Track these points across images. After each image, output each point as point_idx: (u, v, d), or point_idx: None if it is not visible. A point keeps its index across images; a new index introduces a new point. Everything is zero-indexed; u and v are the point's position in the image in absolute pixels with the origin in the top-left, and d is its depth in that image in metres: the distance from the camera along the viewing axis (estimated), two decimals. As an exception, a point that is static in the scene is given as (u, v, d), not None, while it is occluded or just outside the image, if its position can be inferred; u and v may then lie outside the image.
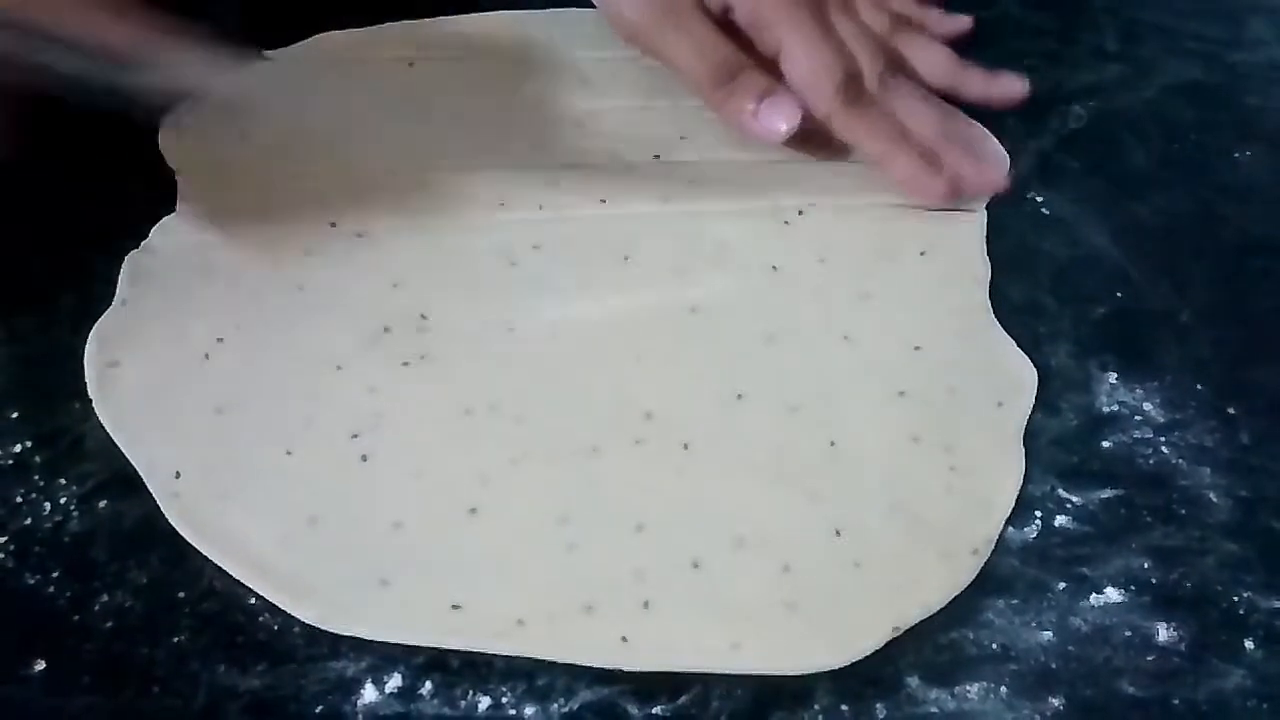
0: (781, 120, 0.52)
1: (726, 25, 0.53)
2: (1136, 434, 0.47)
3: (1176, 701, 0.41)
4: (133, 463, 0.44)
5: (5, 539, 0.42)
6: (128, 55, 0.44)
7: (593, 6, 0.57)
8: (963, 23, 0.59)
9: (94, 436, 0.44)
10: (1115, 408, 0.48)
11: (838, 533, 0.44)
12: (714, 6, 0.53)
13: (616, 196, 0.53)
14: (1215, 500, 0.46)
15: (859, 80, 0.53)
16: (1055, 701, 0.40)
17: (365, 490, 0.44)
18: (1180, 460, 0.47)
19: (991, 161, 0.55)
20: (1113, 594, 0.43)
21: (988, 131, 0.56)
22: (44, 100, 0.54)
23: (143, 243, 0.50)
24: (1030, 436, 0.47)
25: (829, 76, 0.52)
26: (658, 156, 0.55)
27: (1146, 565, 0.44)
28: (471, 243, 0.51)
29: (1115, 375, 0.49)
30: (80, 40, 0.43)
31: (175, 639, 0.40)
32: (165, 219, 0.51)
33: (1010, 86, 0.56)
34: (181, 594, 0.41)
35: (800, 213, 0.53)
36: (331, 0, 0.59)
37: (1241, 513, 0.45)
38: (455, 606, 0.41)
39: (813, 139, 0.54)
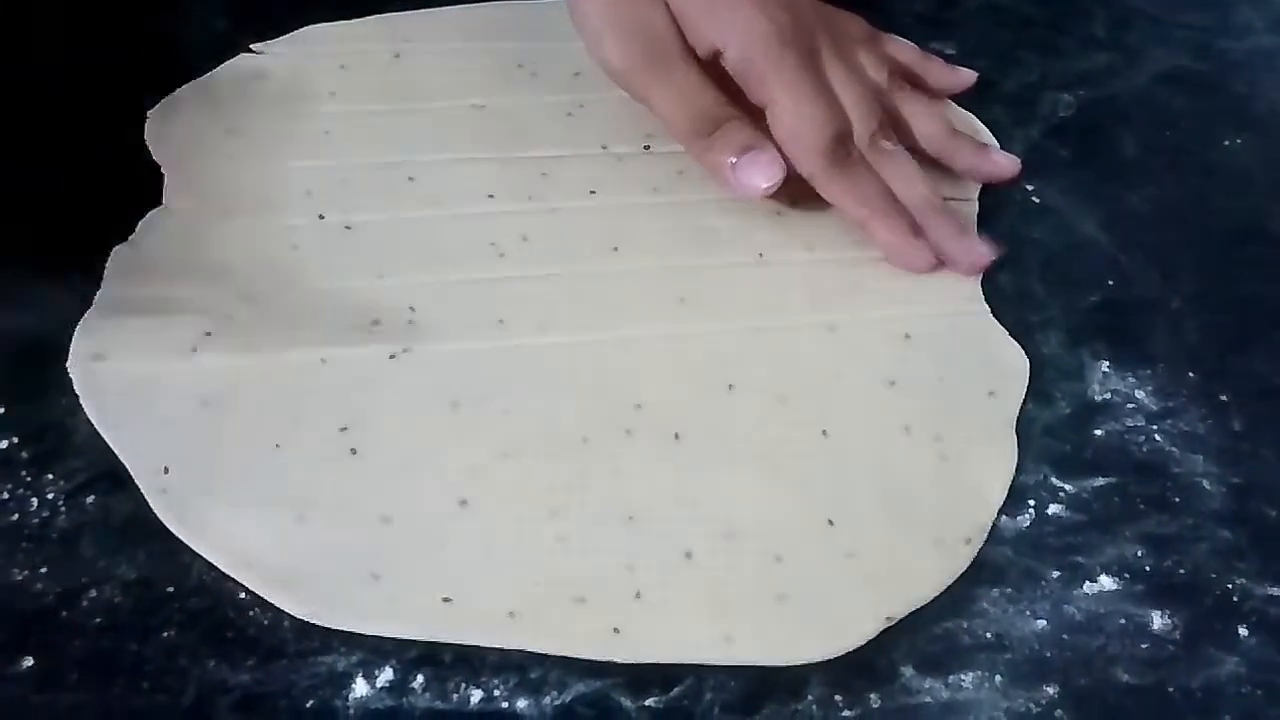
0: (761, 177, 0.49)
1: (716, 71, 0.51)
2: (1129, 422, 0.47)
3: (1171, 689, 0.41)
4: (120, 457, 0.43)
5: (-8, 535, 0.42)
6: None
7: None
8: (966, 78, 0.58)
9: (81, 431, 0.44)
10: (1108, 396, 0.48)
11: (830, 523, 0.43)
12: (703, 52, 0.51)
13: (606, 187, 0.53)
14: (1208, 487, 0.46)
15: (847, 140, 0.51)
16: (1050, 690, 0.40)
17: (354, 483, 0.43)
18: (1173, 448, 0.47)
19: (975, 238, 0.52)
20: (1106, 582, 0.43)
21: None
22: (29, 94, 0.54)
23: (129, 237, 0.49)
24: (1023, 425, 0.47)
25: (816, 134, 0.50)
26: (647, 148, 0.55)
27: (1140, 553, 0.44)
28: (460, 234, 0.51)
29: (1107, 363, 0.49)
30: None
31: (164, 634, 0.40)
32: (151, 213, 0.50)
33: (1000, 163, 0.55)
34: (170, 589, 0.41)
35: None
36: (318, -8, 0.59)
37: (1234, 500, 0.45)
38: (446, 600, 0.41)
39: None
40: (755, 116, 0.50)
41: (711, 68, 0.51)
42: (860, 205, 0.50)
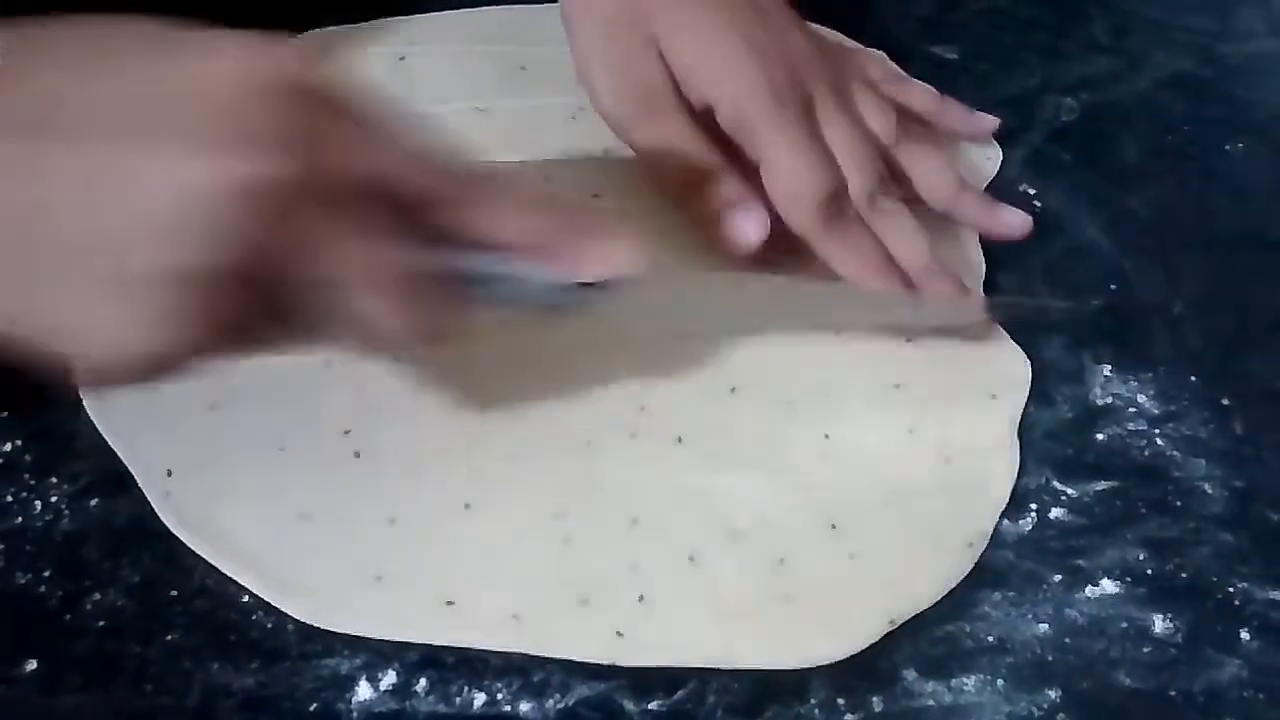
0: (749, 232, 0.48)
1: (710, 120, 0.49)
2: (1131, 426, 0.47)
3: (1173, 693, 0.41)
4: (124, 461, 0.43)
5: (-4, 538, 0.42)
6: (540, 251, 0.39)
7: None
8: (986, 125, 0.56)
9: (85, 434, 0.44)
10: (1109, 400, 0.48)
11: (833, 526, 0.43)
12: (696, 104, 0.49)
13: (609, 190, 0.53)
14: (1210, 491, 0.46)
15: (843, 197, 0.48)
16: (1052, 693, 0.40)
17: (358, 486, 0.43)
18: (1175, 452, 0.47)
19: (972, 299, 0.50)
20: (1108, 586, 0.43)
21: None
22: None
23: (133, 240, 0.49)
24: (1025, 429, 0.47)
25: (810, 192, 0.47)
26: (650, 151, 0.55)
27: (1142, 557, 0.44)
28: (463, 238, 0.51)
29: (1109, 367, 0.49)
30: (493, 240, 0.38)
31: (168, 637, 0.40)
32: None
33: (1010, 221, 0.52)
34: (174, 592, 0.41)
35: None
36: (323, -4, 0.59)
37: (1236, 503, 0.45)
38: (449, 603, 0.41)
39: None
40: (750, 170, 0.49)
41: (706, 116, 0.49)
42: (854, 267, 0.48)
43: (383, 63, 0.57)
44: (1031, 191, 0.55)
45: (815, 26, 0.55)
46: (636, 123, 0.50)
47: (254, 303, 0.34)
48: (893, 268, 0.48)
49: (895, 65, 0.55)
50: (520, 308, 0.40)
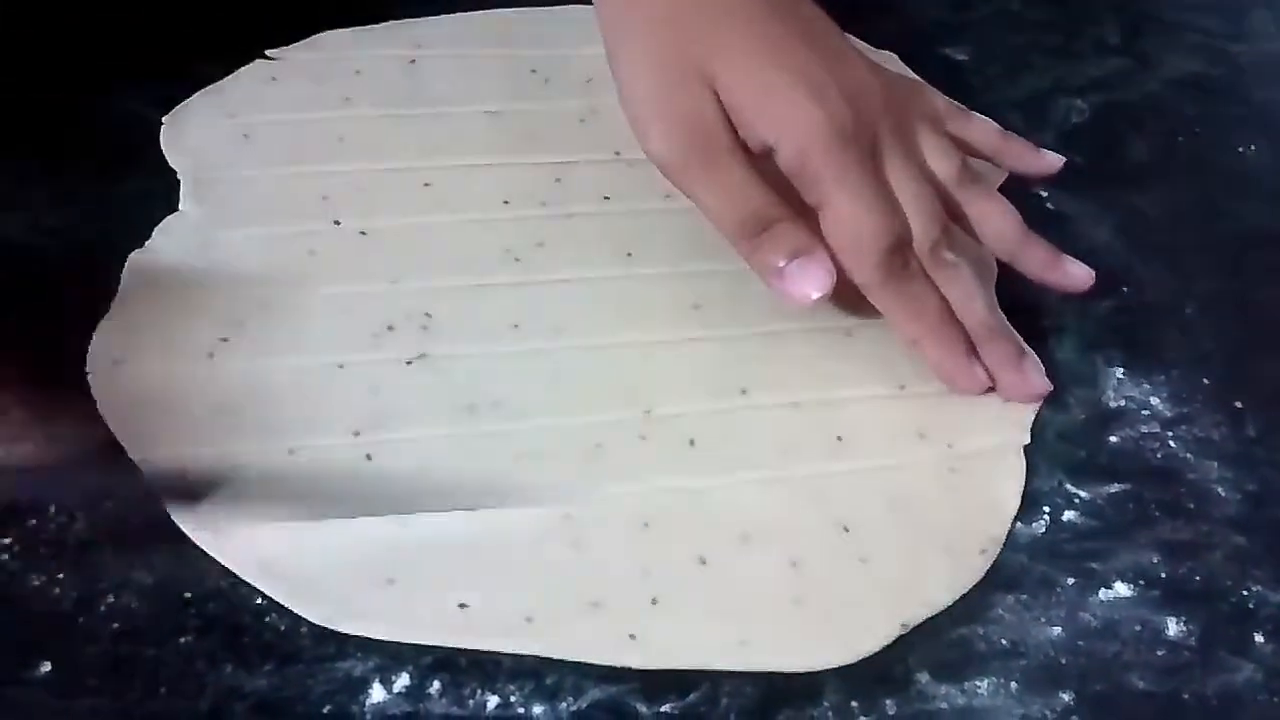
0: (811, 286, 0.44)
1: (767, 164, 0.46)
2: (1144, 428, 0.47)
3: (1186, 696, 0.41)
4: (137, 463, 0.43)
5: (10, 540, 0.42)
6: None
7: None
8: (1051, 163, 0.53)
9: (98, 437, 0.44)
10: (1122, 402, 0.48)
11: (845, 529, 0.43)
12: (754, 146, 0.46)
13: (620, 193, 0.53)
14: (1223, 494, 0.46)
15: (905, 248, 0.46)
16: (1065, 697, 0.40)
17: (370, 489, 0.43)
18: (1188, 454, 0.47)
19: (1032, 367, 0.48)
20: (1122, 589, 0.43)
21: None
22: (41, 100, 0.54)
23: (145, 243, 0.50)
24: (1037, 431, 0.47)
25: (872, 243, 0.45)
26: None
27: (1155, 560, 0.44)
28: (474, 240, 0.51)
29: (1122, 370, 0.49)
30: None
31: (181, 640, 0.40)
32: (167, 219, 0.51)
33: (1074, 274, 0.49)
34: (187, 595, 0.41)
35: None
36: (332, -2, 0.59)
37: (1249, 506, 0.45)
38: (462, 605, 0.41)
39: None
40: (808, 214, 0.46)
41: (763, 160, 0.46)
42: (913, 322, 0.47)
43: (394, 65, 0.57)
44: (1043, 193, 0.55)
45: (867, 48, 0.55)
46: (690, 167, 0.46)
47: None
48: (953, 324, 0.47)
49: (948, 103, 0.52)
50: None
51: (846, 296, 0.47)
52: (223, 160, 0.53)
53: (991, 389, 0.47)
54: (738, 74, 0.46)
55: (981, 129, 0.52)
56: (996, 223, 0.49)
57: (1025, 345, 0.48)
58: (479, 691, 0.39)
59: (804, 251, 0.45)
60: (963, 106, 0.52)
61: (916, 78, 0.53)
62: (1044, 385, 0.47)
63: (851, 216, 0.45)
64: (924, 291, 0.47)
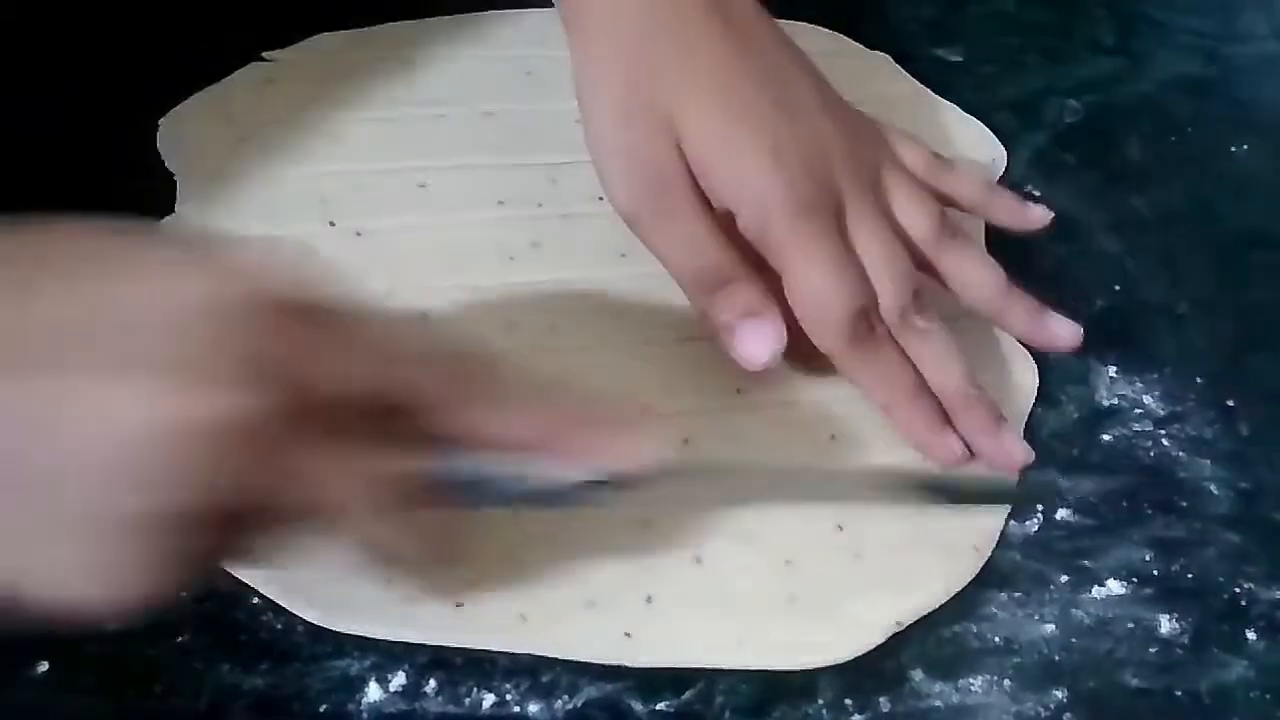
0: (760, 348, 0.43)
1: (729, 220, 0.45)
2: (1136, 427, 0.47)
3: (1179, 693, 0.41)
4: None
5: (7, 540, 0.42)
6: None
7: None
8: (1037, 218, 0.50)
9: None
10: (1115, 401, 0.48)
11: (839, 527, 0.44)
12: (715, 205, 0.45)
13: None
14: (1215, 492, 0.46)
15: (871, 314, 0.44)
16: (1058, 694, 0.40)
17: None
18: (1180, 452, 0.47)
19: (1010, 435, 0.46)
20: (1114, 586, 0.43)
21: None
22: (41, 103, 0.54)
23: (141, 244, 0.50)
24: (1031, 429, 0.47)
25: (835, 311, 0.43)
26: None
27: (1148, 557, 0.44)
28: (471, 240, 0.51)
29: (1115, 368, 0.49)
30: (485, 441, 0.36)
31: (178, 639, 0.40)
32: (164, 220, 0.51)
33: (1059, 334, 0.47)
34: (184, 594, 0.41)
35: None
36: (328, 1, 0.59)
37: (1242, 504, 0.45)
38: (458, 604, 0.41)
39: None
40: (771, 272, 0.45)
41: (725, 215, 0.45)
42: (883, 391, 0.45)
43: (389, 66, 0.58)
44: (1037, 193, 0.55)
45: (859, 49, 0.54)
46: (649, 216, 0.45)
47: (240, 532, 0.32)
48: (925, 394, 0.45)
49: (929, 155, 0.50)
50: (527, 504, 0.38)
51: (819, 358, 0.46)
52: (219, 161, 0.53)
53: (970, 457, 0.45)
54: (699, 128, 0.44)
55: (963, 181, 0.50)
56: (975, 279, 0.47)
57: (1002, 413, 0.46)
58: (475, 689, 0.40)
59: (756, 312, 0.44)
60: (941, 156, 0.50)
61: (886, 124, 0.50)
62: (1024, 454, 0.45)
63: (814, 288, 0.44)
64: (891, 360, 0.45)
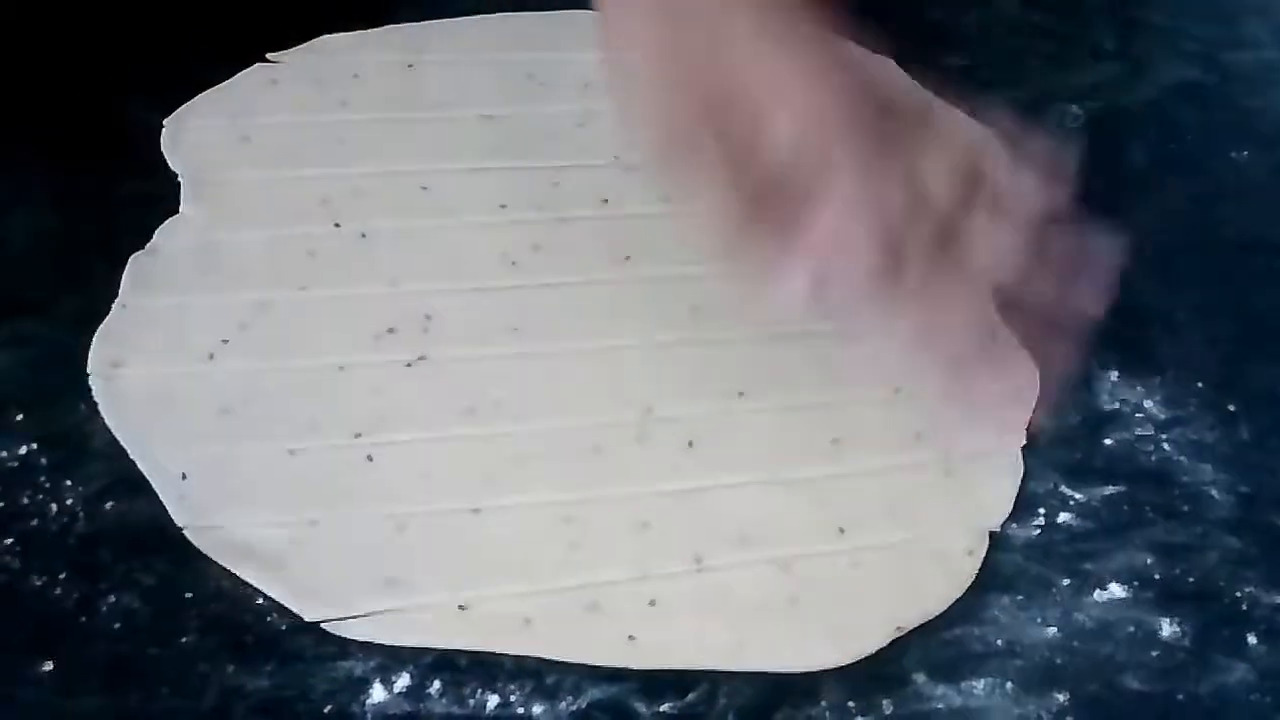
0: (789, 288, 0.41)
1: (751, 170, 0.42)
2: (1138, 431, 0.48)
3: (1180, 696, 0.41)
4: (138, 464, 0.44)
5: (12, 540, 0.42)
6: None
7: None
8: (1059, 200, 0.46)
9: (99, 438, 0.44)
10: (1116, 405, 0.48)
11: (841, 531, 0.44)
12: (750, 127, 0.41)
13: (617, 197, 0.53)
14: (1216, 496, 0.46)
15: (898, 253, 0.42)
16: (1060, 697, 0.40)
17: (370, 490, 0.44)
18: (1181, 457, 0.47)
19: (1025, 390, 0.47)
20: (1116, 590, 0.43)
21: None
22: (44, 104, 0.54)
23: (146, 245, 0.50)
24: (1033, 434, 0.47)
25: (864, 241, 0.41)
26: (658, 157, 0.55)
27: (1149, 561, 0.44)
28: (473, 243, 0.51)
29: (1116, 373, 0.49)
30: None
31: (183, 640, 0.40)
32: (168, 221, 0.51)
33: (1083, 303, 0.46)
34: (189, 595, 0.41)
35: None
36: (332, 3, 0.59)
37: (1243, 508, 0.46)
38: (462, 607, 0.41)
39: None
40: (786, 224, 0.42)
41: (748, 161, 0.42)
42: (909, 328, 0.43)
43: (392, 69, 0.58)
44: (1037, 197, 0.55)
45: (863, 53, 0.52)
46: (665, 153, 0.43)
47: None
48: (950, 332, 0.44)
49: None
50: None
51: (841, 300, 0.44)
52: (223, 162, 0.53)
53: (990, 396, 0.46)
54: (745, 56, 0.42)
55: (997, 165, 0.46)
56: (999, 244, 0.44)
57: (1028, 355, 0.46)
58: (479, 691, 0.40)
59: (777, 263, 0.41)
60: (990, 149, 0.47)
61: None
62: (1026, 414, 0.46)
63: (840, 214, 0.41)
64: (920, 296, 0.43)
